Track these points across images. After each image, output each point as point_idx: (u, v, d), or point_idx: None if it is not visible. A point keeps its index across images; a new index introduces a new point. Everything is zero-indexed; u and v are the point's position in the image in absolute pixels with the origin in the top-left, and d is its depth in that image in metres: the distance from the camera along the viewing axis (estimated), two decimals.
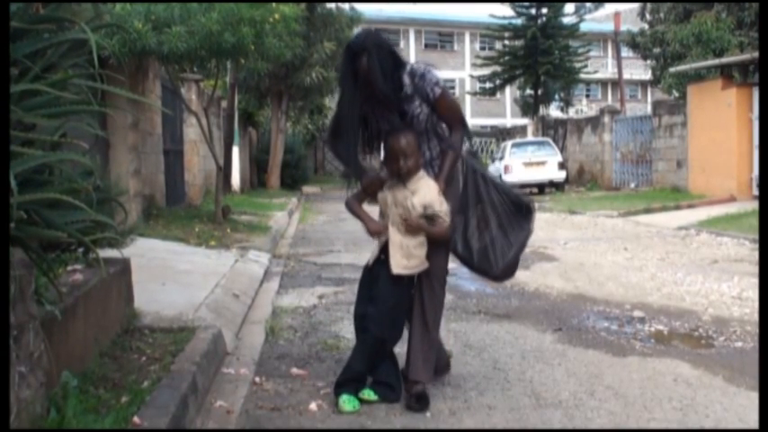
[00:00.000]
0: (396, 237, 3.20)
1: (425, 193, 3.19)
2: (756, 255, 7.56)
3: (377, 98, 3.17)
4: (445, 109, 3.37)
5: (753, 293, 5.48)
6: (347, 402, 3.12)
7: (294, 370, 3.71)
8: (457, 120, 3.40)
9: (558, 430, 2.88)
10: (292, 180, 24.93)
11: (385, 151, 3.26)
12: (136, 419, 2.48)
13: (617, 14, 31.99)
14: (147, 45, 7.68)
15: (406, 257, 3.19)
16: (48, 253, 2.95)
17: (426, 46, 44.39)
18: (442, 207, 3.20)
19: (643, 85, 42.90)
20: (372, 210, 3.38)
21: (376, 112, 3.25)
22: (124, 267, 3.90)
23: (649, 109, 21.37)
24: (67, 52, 2.42)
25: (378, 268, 3.26)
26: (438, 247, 3.28)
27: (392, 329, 3.26)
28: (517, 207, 3.25)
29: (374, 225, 3.29)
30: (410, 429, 2.92)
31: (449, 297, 4.15)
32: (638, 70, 39.25)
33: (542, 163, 19.80)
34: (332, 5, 21.52)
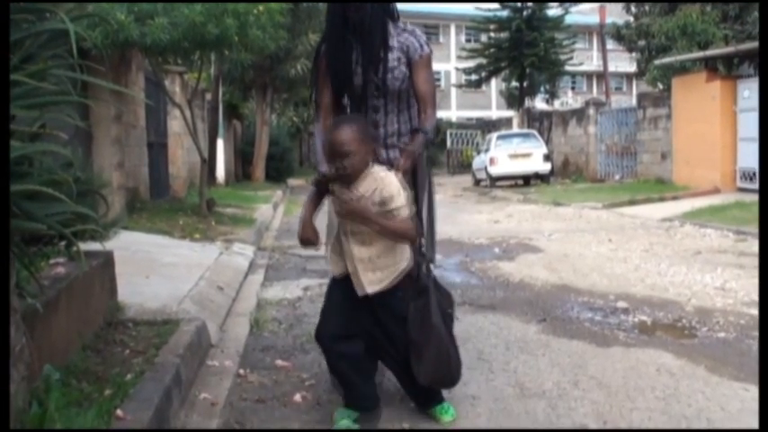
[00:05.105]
0: (355, 250, 2.74)
1: (381, 187, 2.67)
2: (739, 246, 7.64)
3: (362, 36, 2.91)
4: (424, 79, 3.01)
5: (735, 284, 5.53)
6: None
7: (279, 362, 3.71)
8: (432, 100, 3.04)
9: (549, 430, 2.87)
10: (277, 172, 24.85)
11: (327, 149, 2.74)
12: (119, 412, 2.46)
13: (602, 7, 31.98)
14: (129, 36, 7.61)
15: (372, 270, 2.73)
16: (29, 246, 2.93)
17: None
18: (400, 200, 2.66)
19: (628, 77, 43.07)
20: None
21: (349, 59, 2.94)
22: (107, 260, 3.88)
23: (634, 101, 21.45)
24: (47, 43, 2.39)
25: (351, 287, 2.81)
26: None
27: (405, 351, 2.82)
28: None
29: (305, 232, 2.83)
30: (392, 430, 2.90)
31: None
32: (624, 63, 39.39)
33: (528, 155, 19.86)
34: None
